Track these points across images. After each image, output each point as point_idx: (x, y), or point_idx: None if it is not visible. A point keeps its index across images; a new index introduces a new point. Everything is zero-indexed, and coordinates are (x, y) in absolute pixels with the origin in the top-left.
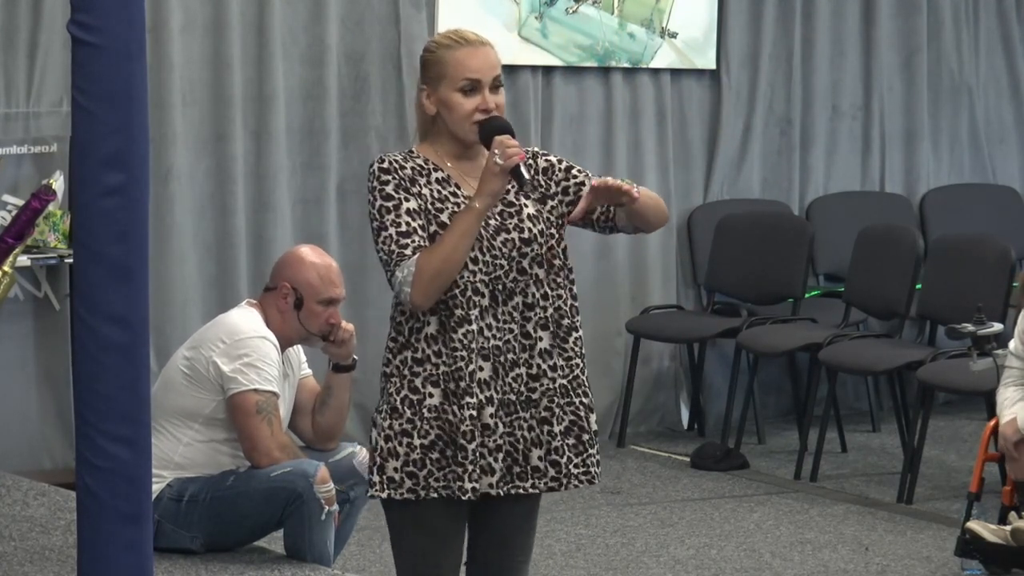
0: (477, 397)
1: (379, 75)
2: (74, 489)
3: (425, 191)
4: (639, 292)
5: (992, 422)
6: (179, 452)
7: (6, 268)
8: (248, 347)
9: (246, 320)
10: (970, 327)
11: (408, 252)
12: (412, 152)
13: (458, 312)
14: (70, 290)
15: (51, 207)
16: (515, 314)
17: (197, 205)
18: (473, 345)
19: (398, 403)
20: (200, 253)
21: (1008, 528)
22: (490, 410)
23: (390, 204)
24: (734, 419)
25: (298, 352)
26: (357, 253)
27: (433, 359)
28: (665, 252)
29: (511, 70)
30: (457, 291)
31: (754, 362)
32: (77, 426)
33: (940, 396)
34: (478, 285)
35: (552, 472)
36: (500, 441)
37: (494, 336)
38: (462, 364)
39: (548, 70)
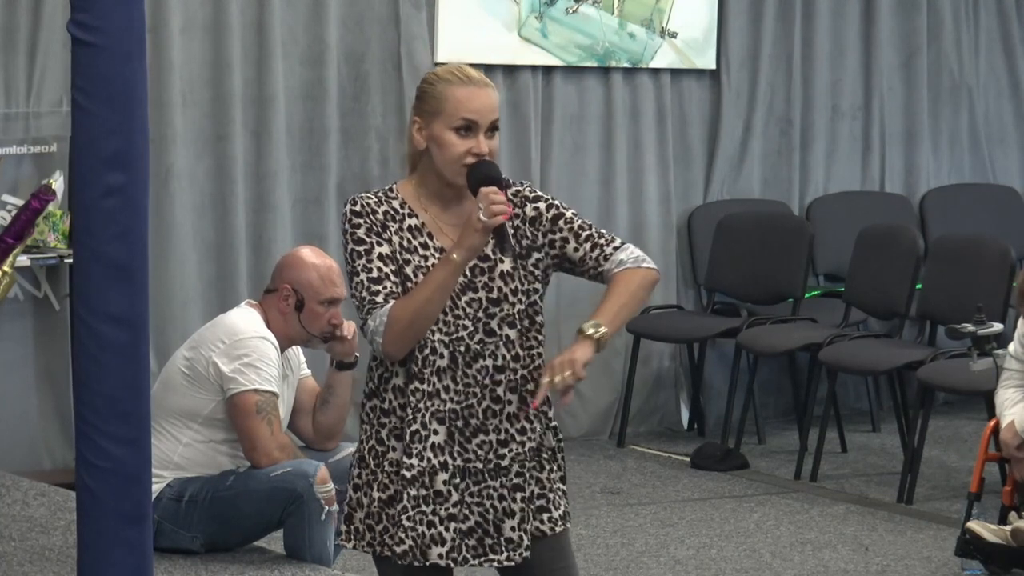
0: (429, 462)
1: (379, 75)
2: (74, 489)
3: (395, 238)
4: None
5: (992, 422)
6: (179, 452)
7: (6, 268)
8: (248, 347)
9: (246, 320)
10: (970, 327)
11: (379, 300)
12: (391, 191)
13: (413, 368)
14: (70, 290)
15: (51, 207)
16: (479, 377)
17: (197, 205)
18: (421, 406)
19: (365, 453)
20: (200, 253)
21: (1008, 528)
22: (443, 476)
23: (361, 248)
24: (734, 419)
25: (297, 353)
26: None
27: (398, 412)
28: (665, 252)
29: (511, 70)
30: (415, 348)
31: (754, 362)
32: (77, 426)
33: (940, 396)
34: (436, 345)
35: (526, 541)
36: (453, 511)
37: (451, 399)
38: (406, 423)
39: (548, 70)
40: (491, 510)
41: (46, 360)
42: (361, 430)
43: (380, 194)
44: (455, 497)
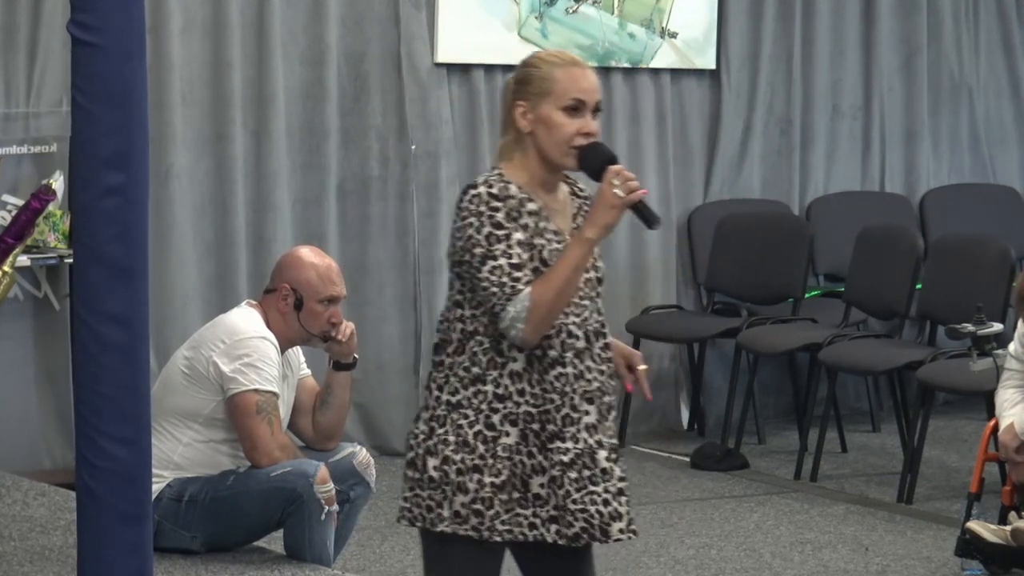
0: (586, 442)
1: (379, 75)
2: (74, 489)
3: (531, 224)
4: (639, 292)
5: (992, 422)
6: (179, 452)
7: (6, 268)
8: (248, 347)
9: (246, 320)
10: (970, 327)
11: (520, 286)
12: (502, 175)
13: (552, 354)
14: (70, 290)
15: (51, 207)
16: (604, 354)
17: (197, 205)
18: (567, 389)
19: (470, 438)
20: (200, 253)
21: (1008, 528)
22: (603, 454)
23: (501, 233)
24: (734, 419)
25: (297, 352)
26: (357, 253)
27: (515, 397)
28: (665, 252)
29: (511, 70)
30: (552, 332)
31: (754, 362)
32: (77, 426)
33: (940, 396)
34: (572, 328)
35: (628, 515)
36: (621, 485)
37: (595, 378)
38: (551, 407)
39: None
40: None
41: (46, 360)
42: (457, 414)
43: (501, 179)
44: (618, 472)
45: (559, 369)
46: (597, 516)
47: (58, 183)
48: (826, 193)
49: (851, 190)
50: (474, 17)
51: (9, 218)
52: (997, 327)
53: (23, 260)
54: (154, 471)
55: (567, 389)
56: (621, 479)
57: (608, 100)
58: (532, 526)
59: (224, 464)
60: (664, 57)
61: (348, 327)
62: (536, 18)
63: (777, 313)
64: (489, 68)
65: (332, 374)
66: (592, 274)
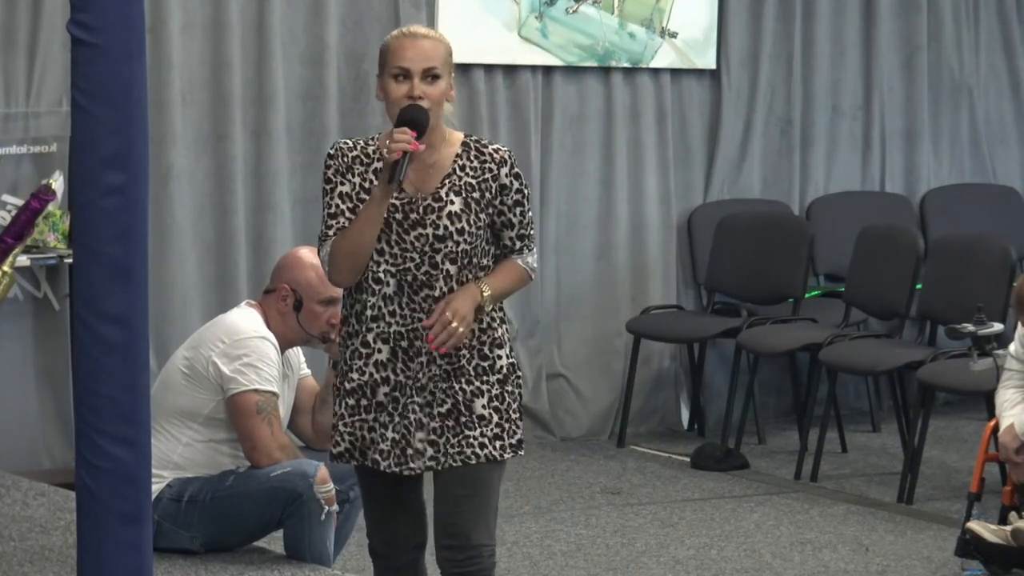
0: (371, 376)
1: None
2: (74, 489)
3: (357, 179)
4: (639, 292)
5: (992, 422)
6: (178, 452)
7: (6, 268)
8: (248, 347)
9: (246, 320)
10: (970, 327)
11: (331, 233)
12: (373, 139)
13: (363, 297)
14: (70, 290)
15: (51, 207)
16: (425, 305)
17: (197, 205)
18: (368, 327)
19: (344, 369)
20: (200, 253)
21: (1008, 528)
22: (384, 389)
23: (328, 187)
24: (734, 419)
25: (297, 352)
26: None
27: (359, 334)
28: (665, 252)
29: (511, 70)
30: (367, 276)
31: (754, 362)
32: (77, 426)
33: (940, 396)
34: (381, 275)
35: (430, 452)
36: (398, 420)
37: (396, 323)
38: (357, 341)
39: (548, 70)
40: (412, 424)
41: (46, 360)
42: (343, 348)
43: (363, 141)
44: (390, 408)
45: (368, 311)
46: (359, 441)
47: (58, 183)
48: (826, 193)
49: (851, 190)
50: (474, 17)
51: (9, 218)
52: (997, 327)
53: (23, 260)
54: (154, 471)
55: (369, 327)
56: (401, 415)
57: (608, 100)
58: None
59: (224, 464)
60: (664, 57)
61: None
62: (536, 18)
63: (777, 313)
64: (489, 68)
65: (332, 374)
66: (429, 231)
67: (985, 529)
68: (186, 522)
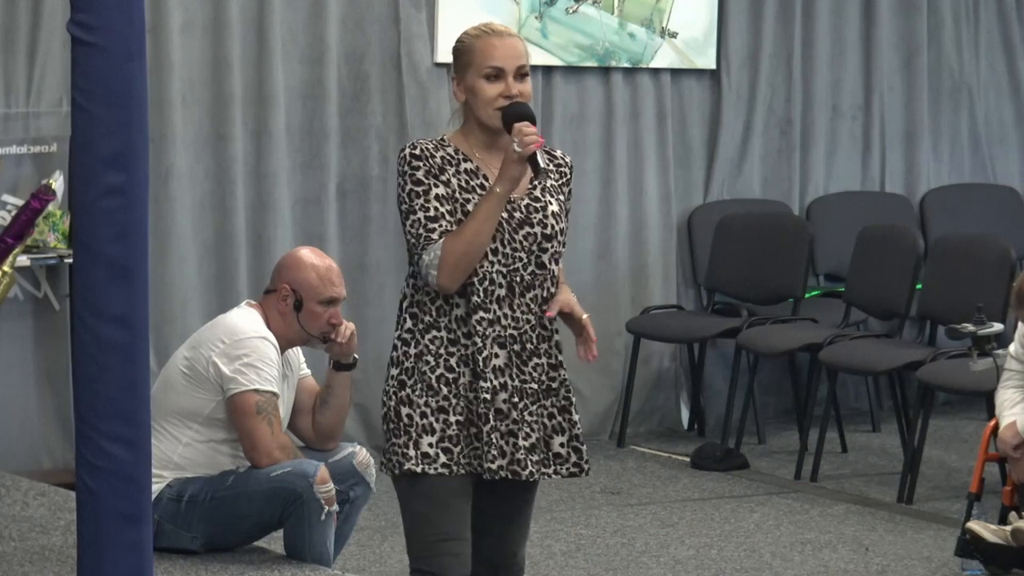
0: (491, 383)
1: (379, 75)
2: (74, 489)
3: (453, 180)
4: (639, 292)
5: (992, 422)
6: (179, 452)
7: (6, 268)
8: (248, 347)
9: (246, 320)
10: (970, 327)
11: (435, 236)
12: (443, 140)
13: (474, 299)
14: (70, 290)
15: (51, 207)
16: (533, 306)
17: (197, 205)
18: (488, 332)
19: (433, 381)
20: (200, 253)
21: (1008, 528)
22: (503, 396)
23: (420, 189)
24: (734, 419)
25: (297, 353)
26: (357, 253)
27: (463, 340)
28: (665, 252)
29: None
30: (476, 279)
31: (754, 362)
32: (77, 426)
33: (940, 396)
34: (494, 276)
35: (574, 458)
36: (513, 427)
37: (511, 325)
38: (475, 350)
39: (548, 70)
40: (542, 428)
41: (46, 360)
42: (421, 362)
43: (435, 142)
44: (514, 415)
45: (481, 314)
46: (469, 449)
47: (58, 183)
48: (826, 193)
49: (851, 190)
50: (474, 17)
51: (9, 218)
52: (997, 327)
53: (23, 260)
54: (154, 471)
55: (487, 332)
56: (515, 422)
57: (608, 100)
58: (488, 459)
59: (224, 464)
60: (664, 57)
61: (348, 328)
62: (536, 18)
63: (777, 313)
64: None
65: (332, 374)
66: (537, 230)
67: (985, 529)
68: (186, 522)
